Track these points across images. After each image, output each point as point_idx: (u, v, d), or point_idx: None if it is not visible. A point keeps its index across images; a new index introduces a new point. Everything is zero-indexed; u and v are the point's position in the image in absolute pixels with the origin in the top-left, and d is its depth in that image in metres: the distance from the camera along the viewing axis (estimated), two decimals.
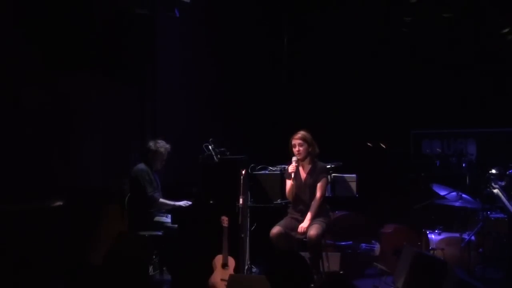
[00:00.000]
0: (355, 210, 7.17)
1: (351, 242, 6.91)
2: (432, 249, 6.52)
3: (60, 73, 6.22)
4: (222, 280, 5.72)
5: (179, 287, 6.15)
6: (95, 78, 6.64)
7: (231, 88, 8.24)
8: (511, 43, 7.67)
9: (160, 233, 6.32)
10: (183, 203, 6.41)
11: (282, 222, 5.98)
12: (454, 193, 6.48)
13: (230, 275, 5.56)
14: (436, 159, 7.45)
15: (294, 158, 5.97)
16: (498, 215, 6.53)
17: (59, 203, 5.71)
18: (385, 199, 7.61)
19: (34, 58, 5.98)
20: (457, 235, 6.51)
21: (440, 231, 6.72)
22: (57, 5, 6.17)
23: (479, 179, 6.53)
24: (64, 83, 6.26)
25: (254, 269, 6.38)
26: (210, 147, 6.38)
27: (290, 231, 5.90)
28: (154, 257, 6.47)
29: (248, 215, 6.35)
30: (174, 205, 6.42)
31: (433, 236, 6.66)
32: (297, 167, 6.01)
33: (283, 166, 6.49)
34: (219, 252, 5.87)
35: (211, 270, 5.86)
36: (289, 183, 6.03)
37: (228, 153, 6.50)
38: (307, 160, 6.06)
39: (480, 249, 6.37)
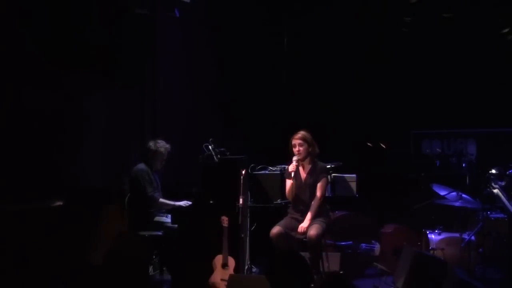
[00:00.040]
0: (355, 210, 7.17)
1: (351, 242, 6.91)
2: (432, 249, 6.52)
3: (60, 73, 6.21)
4: (222, 280, 5.72)
5: (179, 287, 6.15)
6: (95, 78, 6.64)
7: (231, 88, 8.24)
8: (511, 43, 7.67)
9: (160, 233, 6.32)
10: (183, 203, 6.42)
11: (282, 222, 5.98)
12: (454, 193, 6.48)
13: (230, 275, 5.56)
14: (436, 159, 7.45)
15: (294, 158, 5.98)
16: (498, 215, 6.53)
17: (59, 203, 5.71)
18: (385, 199, 7.60)
19: (35, 58, 5.97)
20: (457, 235, 6.51)
21: (440, 231, 6.72)
22: (57, 5, 6.17)
23: (479, 179, 6.53)
24: (64, 83, 6.26)
25: (254, 269, 6.38)
26: (210, 147, 6.38)
27: (290, 231, 5.90)
28: (154, 257, 6.47)
29: (248, 215, 6.35)
30: (174, 205, 6.42)
31: (433, 236, 6.66)
32: (297, 167, 6.01)
33: (283, 166, 6.49)
34: (219, 252, 5.87)
35: (211, 270, 5.86)
36: (289, 182, 6.03)
37: (228, 153, 6.50)
38: (307, 160, 6.06)
39: (480, 249, 6.37)
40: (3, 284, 5.20)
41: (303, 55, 8.67)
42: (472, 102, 7.99)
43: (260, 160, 6.78)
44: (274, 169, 6.74)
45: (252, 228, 6.40)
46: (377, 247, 6.98)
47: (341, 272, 6.33)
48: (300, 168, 6.08)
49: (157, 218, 6.44)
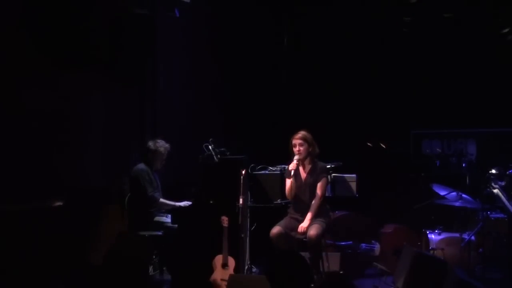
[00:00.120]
0: (355, 210, 7.17)
1: (351, 242, 6.91)
2: (432, 249, 6.52)
3: (60, 73, 6.21)
4: (222, 280, 5.72)
5: (179, 287, 6.15)
6: (95, 78, 6.63)
7: (231, 88, 8.24)
8: (511, 43, 7.67)
9: (160, 233, 6.32)
10: (183, 203, 6.41)
11: (282, 222, 5.98)
12: (454, 193, 6.48)
13: (230, 275, 5.56)
14: (436, 159, 7.46)
15: (295, 157, 5.98)
16: (498, 215, 6.53)
17: (59, 203, 5.71)
18: (385, 199, 7.60)
19: (35, 58, 5.97)
20: (457, 235, 6.51)
21: (440, 231, 6.72)
22: (57, 5, 6.17)
23: (479, 179, 6.52)
24: (64, 83, 6.25)
25: (254, 269, 6.38)
26: (210, 147, 6.38)
27: (290, 231, 5.90)
28: (154, 257, 6.47)
29: (248, 215, 6.35)
30: (174, 205, 6.42)
31: (433, 236, 6.66)
32: (297, 167, 6.01)
33: (283, 166, 6.49)
34: (219, 252, 5.87)
35: (211, 270, 5.86)
36: (288, 182, 6.03)
37: (228, 153, 6.50)
38: (308, 160, 6.07)
39: (480, 249, 6.37)
40: (3, 284, 5.20)
41: (303, 55, 8.67)
42: (472, 102, 7.99)
43: (260, 160, 6.78)
44: (274, 169, 6.74)
45: (252, 228, 6.40)
46: (377, 247, 6.98)
47: (341, 272, 6.33)
48: (300, 168, 6.08)
49: (157, 218, 6.44)
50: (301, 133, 6.02)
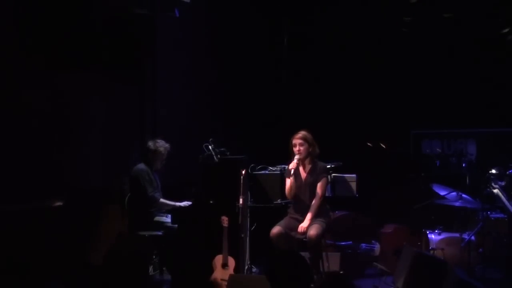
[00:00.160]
0: (355, 210, 7.17)
1: (351, 242, 6.91)
2: (432, 249, 6.52)
3: (60, 73, 6.22)
4: (222, 280, 5.72)
5: (179, 287, 6.15)
6: (95, 78, 6.64)
7: (231, 88, 8.24)
8: (511, 43, 7.67)
9: (160, 233, 6.32)
10: (183, 203, 6.41)
11: (282, 222, 5.98)
12: (454, 193, 6.48)
13: (230, 275, 5.56)
14: (436, 159, 7.46)
15: (296, 156, 5.98)
16: (498, 215, 6.53)
17: (59, 203, 5.71)
18: (385, 199, 7.60)
19: (35, 58, 5.98)
20: (457, 235, 6.51)
21: (440, 231, 6.72)
22: (56, 5, 6.17)
23: (479, 179, 6.52)
24: (64, 83, 6.26)
25: (254, 269, 6.38)
26: (210, 147, 6.38)
27: (290, 231, 5.90)
28: (154, 257, 6.47)
29: (248, 215, 6.35)
30: (174, 205, 6.42)
31: (433, 236, 6.66)
32: (297, 167, 6.01)
33: (283, 166, 6.49)
34: (219, 252, 5.87)
35: (211, 270, 5.86)
36: (288, 181, 6.03)
37: (228, 153, 6.50)
38: (308, 160, 6.07)
39: (480, 249, 6.37)
40: (3, 284, 5.20)
41: (303, 55, 8.67)
42: (472, 102, 7.99)
43: (260, 160, 6.78)
44: (274, 169, 6.74)
45: (252, 228, 6.40)
46: (377, 247, 6.98)
47: (341, 272, 6.33)
48: (300, 168, 6.08)
49: (157, 218, 6.43)
50: (302, 133, 6.02)
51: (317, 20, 8.59)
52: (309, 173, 6.05)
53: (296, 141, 6.00)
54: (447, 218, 6.96)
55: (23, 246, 5.36)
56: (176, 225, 6.31)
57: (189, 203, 6.39)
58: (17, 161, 5.74)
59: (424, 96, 8.23)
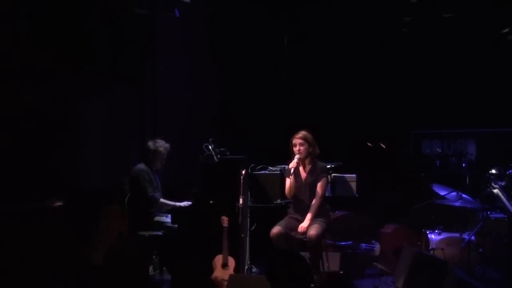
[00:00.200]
0: (355, 210, 7.17)
1: (351, 242, 6.91)
2: (432, 249, 6.52)
3: (60, 73, 6.21)
4: (222, 280, 5.72)
5: (179, 287, 6.15)
6: (95, 78, 6.64)
7: (231, 88, 8.24)
8: (511, 43, 7.67)
9: (160, 233, 6.32)
10: (183, 203, 6.41)
11: (282, 222, 5.98)
12: (454, 193, 6.48)
13: (230, 275, 5.56)
14: (436, 159, 7.45)
15: (296, 156, 5.98)
16: (498, 215, 6.53)
17: (59, 203, 5.71)
18: (385, 199, 7.60)
19: (35, 58, 5.97)
20: (457, 235, 6.51)
21: (440, 231, 6.72)
22: (56, 5, 6.17)
23: (479, 179, 6.53)
24: (64, 83, 6.26)
25: (254, 269, 6.38)
26: (210, 147, 6.38)
27: (290, 231, 5.90)
28: (154, 257, 6.47)
29: (248, 215, 6.35)
30: (174, 205, 6.42)
31: (433, 236, 6.66)
32: (297, 167, 6.01)
33: (283, 166, 6.49)
34: (219, 252, 5.87)
35: (211, 270, 5.86)
36: (288, 181, 6.03)
37: (228, 153, 6.50)
38: (308, 160, 6.07)
39: (480, 249, 6.37)
40: (3, 284, 5.20)
41: (303, 55, 8.67)
42: (472, 102, 7.99)
43: (260, 160, 6.78)
44: (274, 169, 6.74)
45: (252, 228, 6.40)
46: (377, 247, 6.98)
47: (341, 272, 6.33)
48: (301, 168, 6.09)
49: (157, 218, 6.43)
50: (302, 133, 6.02)
51: (317, 20, 8.58)
52: (309, 173, 6.05)
53: (297, 140, 6.00)
54: (447, 218, 6.96)
55: (23, 246, 5.36)
56: (176, 225, 6.31)
57: (189, 203, 6.39)
58: (17, 161, 5.74)
59: (424, 96, 8.23)
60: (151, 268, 6.44)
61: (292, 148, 6.01)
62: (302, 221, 5.89)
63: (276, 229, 5.86)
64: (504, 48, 7.74)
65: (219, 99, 8.16)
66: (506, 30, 7.68)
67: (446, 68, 8.15)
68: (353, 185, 6.80)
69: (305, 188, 6.03)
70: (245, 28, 8.31)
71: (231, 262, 5.87)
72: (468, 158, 7.92)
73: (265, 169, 6.77)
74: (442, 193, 6.62)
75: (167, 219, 6.45)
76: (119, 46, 6.90)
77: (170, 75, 7.67)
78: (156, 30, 7.39)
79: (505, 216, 6.40)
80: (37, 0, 6.10)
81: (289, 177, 6.00)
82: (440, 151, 8.22)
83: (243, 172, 6.18)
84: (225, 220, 5.90)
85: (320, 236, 5.80)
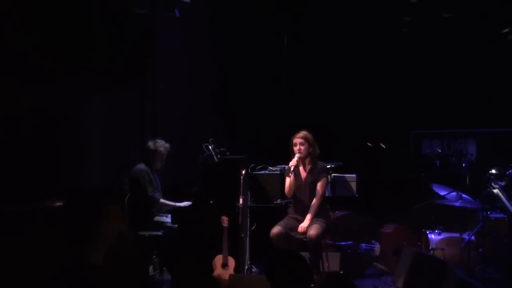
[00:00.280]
0: (355, 210, 7.17)
1: (351, 242, 6.91)
2: (432, 249, 6.52)
3: (60, 73, 6.21)
4: (222, 280, 5.72)
5: (179, 287, 6.15)
6: (95, 78, 6.64)
7: (231, 88, 8.24)
8: (511, 43, 7.67)
9: (160, 233, 6.32)
10: (183, 203, 6.41)
11: (282, 222, 5.98)
12: (454, 193, 6.48)
13: (230, 275, 5.56)
14: (436, 159, 7.45)
15: (297, 155, 5.98)
16: (498, 215, 6.53)
17: (59, 203, 5.71)
18: (385, 199, 7.60)
19: (35, 58, 5.97)
20: (457, 235, 6.51)
21: (440, 231, 6.72)
22: (56, 5, 6.17)
23: (479, 179, 6.52)
24: (64, 83, 6.26)
25: (254, 269, 6.38)
26: (210, 147, 6.39)
27: (290, 231, 5.90)
28: (154, 257, 6.47)
29: (248, 215, 6.35)
30: (174, 205, 6.42)
31: (433, 236, 6.66)
32: (297, 166, 6.01)
33: (283, 166, 6.49)
34: (219, 252, 5.87)
35: (211, 270, 5.86)
36: (288, 179, 6.03)
37: (228, 153, 6.50)
38: (308, 160, 6.07)
39: (480, 249, 6.37)
40: (3, 284, 5.20)
41: (303, 55, 8.67)
42: (472, 102, 7.99)
43: (260, 160, 6.79)
44: (274, 169, 6.74)
45: (252, 228, 6.40)
46: (377, 247, 6.98)
47: (341, 272, 6.33)
48: (301, 168, 6.09)
49: (157, 218, 6.43)
50: (302, 133, 6.03)
51: (317, 20, 8.58)
52: (309, 173, 6.06)
53: (297, 140, 6.01)
54: (447, 218, 6.96)
55: (23, 246, 5.36)
56: (176, 225, 6.31)
57: (189, 203, 6.39)
58: (17, 161, 5.74)
59: (424, 96, 8.22)
60: (151, 268, 6.44)
61: (293, 148, 6.02)
62: (302, 221, 5.89)
63: (276, 229, 5.86)
64: (504, 48, 7.74)
65: (219, 99, 8.16)
66: (506, 30, 7.68)
67: (446, 68, 8.14)
68: (353, 185, 6.80)
69: (305, 188, 6.03)
70: (245, 28, 8.31)
71: (231, 262, 5.87)
72: (468, 158, 7.91)
73: (265, 169, 6.77)
74: (442, 193, 6.61)
75: (167, 219, 6.45)
76: (119, 46, 6.89)
77: (170, 75, 7.67)
78: (156, 30, 7.39)
79: (505, 216, 6.40)
80: (37, 0, 6.10)
81: (289, 175, 6.00)
82: (440, 151, 8.22)
83: (243, 172, 6.18)
84: (225, 220, 5.91)
85: (320, 236, 5.80)
